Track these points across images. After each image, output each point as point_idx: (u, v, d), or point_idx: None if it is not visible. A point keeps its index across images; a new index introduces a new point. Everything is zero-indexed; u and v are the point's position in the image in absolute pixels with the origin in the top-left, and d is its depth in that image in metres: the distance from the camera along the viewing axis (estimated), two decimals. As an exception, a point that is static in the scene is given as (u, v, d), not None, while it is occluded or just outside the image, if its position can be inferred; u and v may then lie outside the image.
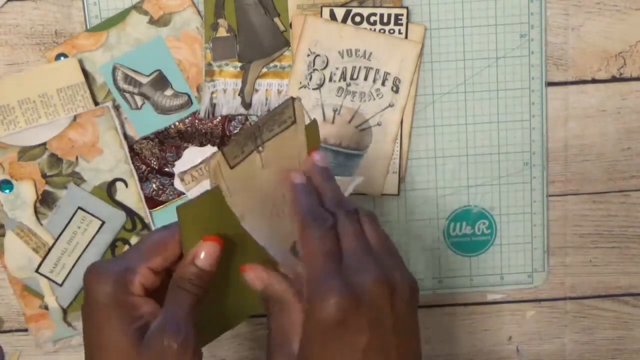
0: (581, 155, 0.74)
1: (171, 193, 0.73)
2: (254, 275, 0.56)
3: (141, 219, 0.73)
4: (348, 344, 0.48)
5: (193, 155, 0.72)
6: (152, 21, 0.70)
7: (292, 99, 0.55)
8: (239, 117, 0.72)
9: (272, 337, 0.56)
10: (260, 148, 0.55)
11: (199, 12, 0.70)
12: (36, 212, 0.72)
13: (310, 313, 0.49)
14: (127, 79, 0.71)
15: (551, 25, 0.71)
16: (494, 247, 0.75)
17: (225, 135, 0.72)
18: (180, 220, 0.54)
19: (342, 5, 0.70)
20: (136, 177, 0.72)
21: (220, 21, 0.70)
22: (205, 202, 0.54)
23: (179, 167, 0.72)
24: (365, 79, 0.70)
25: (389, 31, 0.70)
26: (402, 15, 0.70)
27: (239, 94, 0.71)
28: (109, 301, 0.52)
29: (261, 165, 0.56)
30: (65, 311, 0.73)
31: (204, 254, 0.54)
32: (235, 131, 0.72)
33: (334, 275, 0.49)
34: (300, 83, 0.71)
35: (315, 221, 0.52)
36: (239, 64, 0.71)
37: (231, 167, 0.54)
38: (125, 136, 0.71)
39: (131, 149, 0.72)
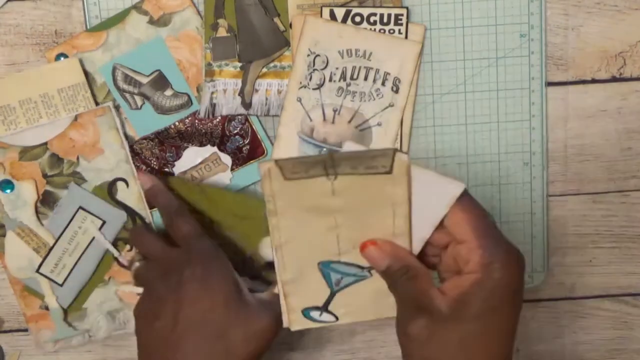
0: (581, 155, 0.74)
1: (171, 193, 0.73)
2: (380, 253, 0.58)
3: (142, 219, 0.73)
4: (518, 306, 0.57)
5: (193, 155, 0.72)
6: (152, 21, 0.70)
7: (395, 151, 0.54)
8: (239, 117, 0.72)
9: (404, 305, 0.59)
10: (331, 176, 0.55)
11: (199, 12, 0.70)
12: (37, 212, 0.72)
13: (490, 277, 0.55)
14: (127, 79, 0.71)
15: (551, 25, 0.71)
16: (494, 247, 0.75)
17: (225, 135, 0.72)
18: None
19: (342, 5, 0.70)
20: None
21: (220, 21, 0.70)
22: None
23: (179, 167, 0.72)
24: (365, 79, 0.70)
25: (389, 31, 0.70)
26: (402, 15, 0.70)
27: (239, 94, 0.71)
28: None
29: (331, 191, 0.55)
30: (65, 311, 0.73)
31: None
32: (236, 131, 0.72)
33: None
34: (300, 83, 0.71)
35: None
36: (239, 64, 0.71)
37: (285, 179, 0.54)
38: (125, 136, 0.72)
39: (131, 149, 0.72)
